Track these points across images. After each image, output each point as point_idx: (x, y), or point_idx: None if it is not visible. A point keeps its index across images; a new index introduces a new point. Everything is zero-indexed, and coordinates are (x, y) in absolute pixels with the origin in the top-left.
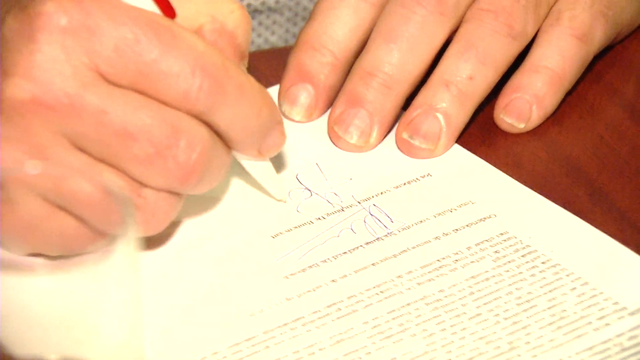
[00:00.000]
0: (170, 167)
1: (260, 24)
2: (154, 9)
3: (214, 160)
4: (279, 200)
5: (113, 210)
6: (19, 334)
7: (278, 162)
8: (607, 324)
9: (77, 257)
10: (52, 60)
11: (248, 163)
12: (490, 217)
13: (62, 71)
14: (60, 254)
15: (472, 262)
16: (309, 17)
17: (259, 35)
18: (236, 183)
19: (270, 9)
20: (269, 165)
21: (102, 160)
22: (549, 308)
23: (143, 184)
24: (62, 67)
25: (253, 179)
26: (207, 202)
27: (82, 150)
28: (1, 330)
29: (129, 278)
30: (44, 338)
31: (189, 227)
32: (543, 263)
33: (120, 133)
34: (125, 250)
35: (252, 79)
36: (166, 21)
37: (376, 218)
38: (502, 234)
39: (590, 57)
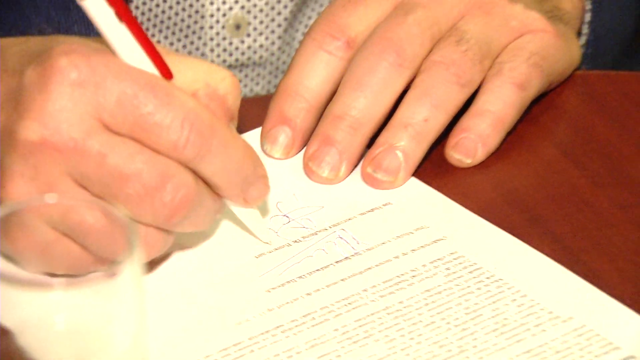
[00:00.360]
0: (157, 206)
1: (246, 76)
2: (154, 70)
3: (198, 203)
4: (265, 243)
5: (112, 239)
6: (37, 343)
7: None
8: (543, 330)
9: (89, 275)
10: (61, 108)
11: (237, 209)
12: (442, 239)
13: (70, 118)
14: (66, 273)
15: (426, 277)
16: (287, 69)
17: (245, 86)
18: (227, 213)
19: (255, 64)
20: (255, 212)
21: (100, 197)
22: (493, 317)
23: (135, 220)
24: (70, 115)
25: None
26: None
27: (84, 187)
28: (23, 340)
29: (134, 293)
30: (59, 347)
31: (186, 249)
32: (488, 278)
33: (116, 175)
34: (131, 268)
35: (238, 137)
36: (162, 81)
37: (344, 240)
38: (452, 253)
39: (528, 103)
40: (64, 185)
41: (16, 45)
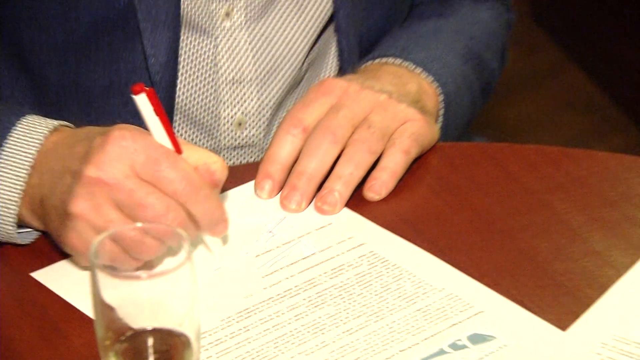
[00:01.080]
0: None
1: (244, 152)
2: (171, 147)
3: (187, 230)
4: (211, 254)
5: (140, 248)
6: (130, 313)
7: (258, 219)
8: (427, 296)
9: (163, 269)
10: (111, 159)
11: (206, 237)
12: (364, 243)
13: (115, 166)
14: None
15: (356, 266)
16: (269, 146)
17: (244, 159)
18: (243, 236)
19: (249, 145)
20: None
21: (129, 217)
22: (397, 289)
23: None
24: (116, 165)
25: (252, 236)
26: (223, 244)
27: (119, 209)
28: (121, 311)
29: (190, 279)
30: (143, 314)
31: (216, 255)
32: (393, 266)
33: (140, 204)
34: (188, 265)
35: (215, 195)
36: (175, 154)
37: (307, 245)
38: (371, 252)
39: (410, 162)
40: (107, 207)
41: (85, 128)
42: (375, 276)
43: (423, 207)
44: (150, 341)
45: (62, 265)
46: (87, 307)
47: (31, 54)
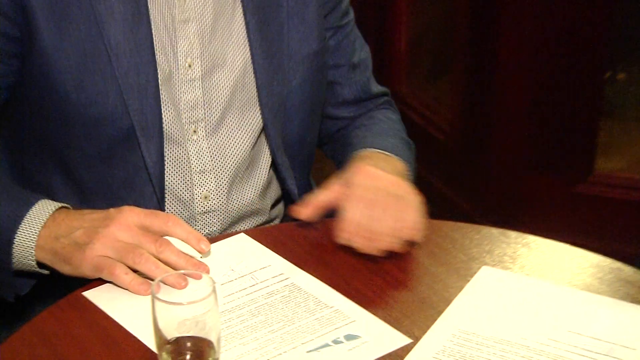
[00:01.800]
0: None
1: (209, 217)
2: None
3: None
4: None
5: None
6: (175, 325)
7: (222, 261)
8: (322, 310)
9: (196, 299)
10: (123, 221)
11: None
12: (282, 274)
13: (122, 225)
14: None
15: (282, 290)
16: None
17: (210, 220)
18: (214, 272)
19: (212, 211)
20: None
21: (120, 260)
22: (305, 305)
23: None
24: (122, 224)
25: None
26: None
27: (120, 259)
28: (167, 332)
29: (214, 304)
30: (183, 327)
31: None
32: (304, 291)
33: (129, 248)
34: (213, 295)
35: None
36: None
37: (253, 278)
38: (292, 283)
39: None
40: (111, 260)
41: (81, 210)
42: (292, 298)
43: (325, 250)
44: (187, 344)
45: (104, 288)
46: (126, 321)
47: (70, 165)
